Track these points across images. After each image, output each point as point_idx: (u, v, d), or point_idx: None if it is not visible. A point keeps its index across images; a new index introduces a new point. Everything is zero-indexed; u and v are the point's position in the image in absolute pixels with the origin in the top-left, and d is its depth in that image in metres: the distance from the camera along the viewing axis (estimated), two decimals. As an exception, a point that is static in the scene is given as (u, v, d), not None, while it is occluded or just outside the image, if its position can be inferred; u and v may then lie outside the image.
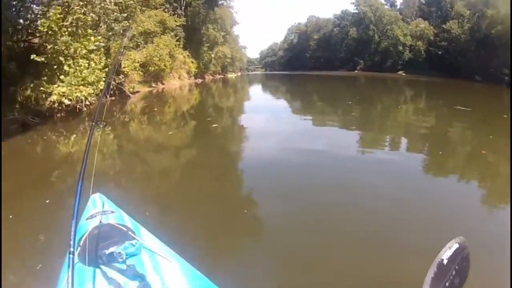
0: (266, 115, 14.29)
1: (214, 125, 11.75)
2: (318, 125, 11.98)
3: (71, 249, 1.65)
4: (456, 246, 2.31)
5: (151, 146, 9.22)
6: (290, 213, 4.63)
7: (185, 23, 28.51)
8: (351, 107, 15.97)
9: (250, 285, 3.12)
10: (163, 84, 23.90)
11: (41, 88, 10.75)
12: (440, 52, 48.01)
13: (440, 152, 8.09)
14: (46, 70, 11.32)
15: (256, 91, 32.81)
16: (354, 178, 6.06)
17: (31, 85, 10.71)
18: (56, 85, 11.00)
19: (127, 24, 17.16)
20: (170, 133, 10.57)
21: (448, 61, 44.65)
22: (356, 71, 64.23)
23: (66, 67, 11.41)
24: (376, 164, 6.95)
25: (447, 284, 2.22)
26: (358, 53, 67.88)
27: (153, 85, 21.67)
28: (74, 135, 9.67)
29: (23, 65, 10.83)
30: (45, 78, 11.14)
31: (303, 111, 16.03)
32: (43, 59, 10.83)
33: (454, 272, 2.27)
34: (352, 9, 73.18)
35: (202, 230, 4.20)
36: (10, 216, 4.51)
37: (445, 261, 2.24)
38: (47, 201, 5.03)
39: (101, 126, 2.78)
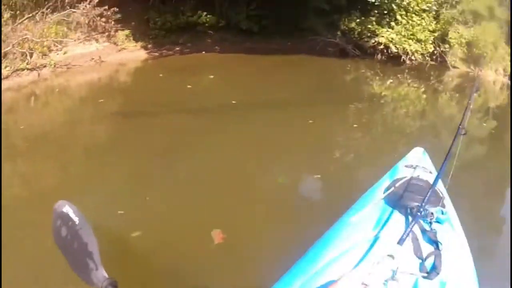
0: None
1: None
2: None
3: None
4: None
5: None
6: None
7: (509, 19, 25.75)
8: None
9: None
10: (480, 71, 22.08)
11: (368, 26, 11.00)
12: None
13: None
14: (376, 11, 11.49)
15: None
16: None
17: (357, 20, 11.12)
18: (385, 30, 11.08)
19: (459, -3, 16.50)
20: (485, 124, 9.32)
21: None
22: None
23: (398, 16, 11.40)
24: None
25: None
26: None
27: (472, 67, 20.10)
28: (390, 81, 9.63)
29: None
30: (373, 18, 11.35)
31: None
32: (374, 0, 11.07)
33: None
34: None
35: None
36: (310, 121, 5.54)
37: None
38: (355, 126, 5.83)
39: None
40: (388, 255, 1.33)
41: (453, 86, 13.47)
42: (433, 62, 14.54)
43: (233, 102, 6.45)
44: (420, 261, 1.71)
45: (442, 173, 2.19)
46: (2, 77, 8.00)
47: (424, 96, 9.82)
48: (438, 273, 1.65)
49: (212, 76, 8.23)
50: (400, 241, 1.44)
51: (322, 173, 3.92)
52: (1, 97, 6.89)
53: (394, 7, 11.26)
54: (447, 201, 2.45)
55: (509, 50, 26.47)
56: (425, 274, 1.63)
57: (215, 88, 7.67)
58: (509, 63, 27.29)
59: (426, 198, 1.98)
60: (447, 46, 15.60)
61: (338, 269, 1.65)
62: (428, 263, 1.71)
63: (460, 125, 2.56)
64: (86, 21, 9.28)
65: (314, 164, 4.22)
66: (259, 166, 4.38)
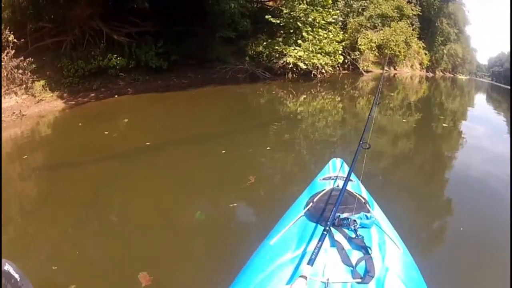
0: (485, 129, 12.17)
1: (445, 125, 10.63)
2: None
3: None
4: None
5: (375, 127, 8.76)
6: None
7: (420, 13, 27.31)
8: None
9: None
10: (395, 69, 23.12)
11: (276, 47, 11.18)
12: None
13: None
14: (282, 32, 11.81)
15: (480, 100, 29.43)
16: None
17: (264, 43, 11.28)
18: (292, 48, 11.28)
19: (365, 4, 17.61)
20: (404, 121, 9.95)
21: None
22: None
23: (304, 33, 11.63)
24: None
25: None
26: None
27: (386, 68, 21.01)
28: (304, 96, 9.77)
29: (256, 24, 11.44)
30: (280, 39, 11.59)
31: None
32: (278, 21, 11.29)
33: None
34: None
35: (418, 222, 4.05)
36: (223, 151, 5.31)
37: None
38: (268, 148, 5.66)
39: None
40: (300, 277, 1.32)
41: (369, 90, 13.90)
42: (345, 71, 15.51)
43: (147, 143, 6.45)
44: (351, 268, 1.71)
45: (346, 184, 2.13)
46: None
47: (341, 105, 10.02)
48: (372, 276, 1.67)
49: (126, 120, 8.18)
50: (310, 261, 1.43)
51: (238, 201, 3.95)
52: (1, 109, 6.89)
53: (300, 25, 11.52)
54: (373, 204, 2.48)
55: (422, 44, 28.13)
56: (359, 280, 1.64)
57: (130, 131, 7.64)
58: (424, 56, 28.94)
59: (335, 208, 1.94)
60: (357, 53, 16.68)
61: None
62: (360, 269, 1.72)
63: (360, 140, 2.61)
64: (5, 74, 9.07)
65: (230, 194, 4.23)
66: (178, 203, 4.34)
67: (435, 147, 8.28)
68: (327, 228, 1.82)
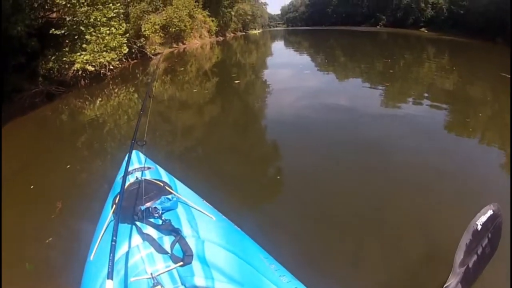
0: (289, 71, 14.08)
1: (237, 82, 11.92)
2: (342, 81, 11.75)
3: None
4: (490, 212, 2.28)
5: (176, 104, 9.52)
6: (311, 166, 4.82)
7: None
8: (374, 62, 15.49)
9: (281, 235, 3.24)
10: (184, 44, 23.98)
11: (64, 59, 10.97)
12: (462, 12, 42.03)
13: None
14: (67, 41, 11.55)
15: (278, 47, 31.55)
16: (379, 136, 5.93)
17: (53, 57, 10.88)
18: (78, 54, 11.24)
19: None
20: (195, 90, 10.91)
21: (470, 21, 38.05)
22: (378, 26, 61.88)
23: (87, 36, 11.63)
24: (400, 121, 6.86)
25: (478, 252, 2.19)
26: (380, 9, 64.90)
27: (174, 45, 21.83)
28: (99, 99, 10.00)
29: (43, 40, 10.77)
30: (67, 48, 11.37)
31: (326, 66, 15.50)
32: (62, 31, 11.04)
33: (486, 240, 2.24)
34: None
35: (232, 184, 4.38)
36: (32, 186, 4.64)
37: (479, 227, 2.20)
38: (68, 166, 5.29)
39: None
40: None
41: (162, 71, 14.58)
42: (135, 60, 15.75)
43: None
44: (168, 255, 1.69)
45: (126, 176, 2.03)
46: None
47: (136, 95, 10.32)
48: (191, 255, 1.67)
49: None
50: (109, 275, 1.31)
51: (53, 235, 3.55)
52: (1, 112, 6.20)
53: (82, 28, 11.43)
54: (175, 185, 2.47)
55: (207, 13, 29.39)
56: (181, 263, 1.63)
57: None
58: (211, 24, 30.32)
59: (134, 203, 1.96)
60: (143, 39, 17.12)
61: None
62: (177, 252, 1.71)
63: (133, 140, 2.52)
64: None
65: (39, 229, 3.78)
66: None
67: (242, 103, 9.23)
68: (133, 225, 1.88)
